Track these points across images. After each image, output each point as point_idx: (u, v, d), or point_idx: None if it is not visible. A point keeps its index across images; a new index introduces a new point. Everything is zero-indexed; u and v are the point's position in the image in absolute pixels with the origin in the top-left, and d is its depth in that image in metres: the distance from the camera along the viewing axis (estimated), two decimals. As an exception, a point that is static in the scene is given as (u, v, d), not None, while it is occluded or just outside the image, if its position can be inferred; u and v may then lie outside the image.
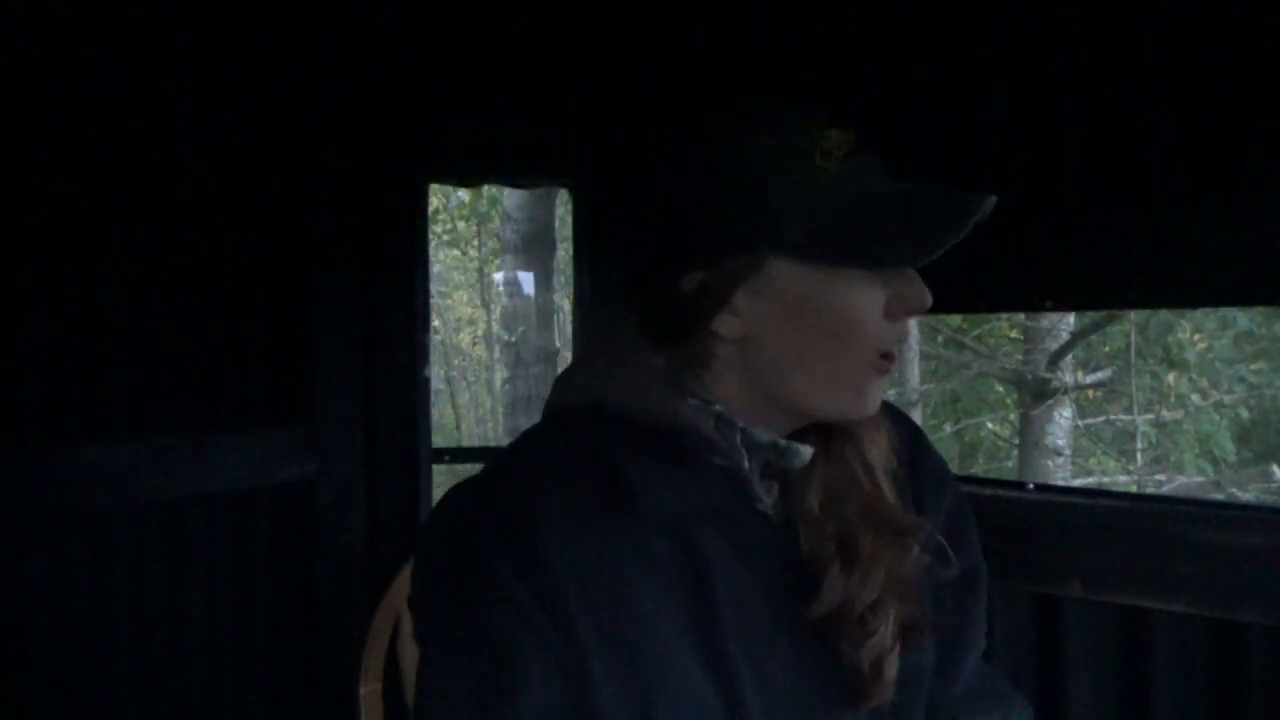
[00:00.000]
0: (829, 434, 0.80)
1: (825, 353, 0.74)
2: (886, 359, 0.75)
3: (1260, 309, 5.47)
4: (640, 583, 0.72)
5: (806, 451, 0.78)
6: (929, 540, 0.81)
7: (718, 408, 0.76)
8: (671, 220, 0.75)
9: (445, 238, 9.73)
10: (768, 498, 0.78)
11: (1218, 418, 6.31)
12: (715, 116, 0.77)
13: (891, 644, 0.77)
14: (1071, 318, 5.89)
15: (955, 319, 6.12)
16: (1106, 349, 6.49)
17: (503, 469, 0.78)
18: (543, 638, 0.70)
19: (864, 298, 0.73)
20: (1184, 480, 6.06)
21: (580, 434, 0.78)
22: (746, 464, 0.76)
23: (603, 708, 0.70)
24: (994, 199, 0.74)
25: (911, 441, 0.89)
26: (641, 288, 0.78)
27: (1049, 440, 6.06)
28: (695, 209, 0.74)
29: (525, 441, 0.81)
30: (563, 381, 0.83)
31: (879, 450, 0.81)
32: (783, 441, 0.77)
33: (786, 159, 0.73)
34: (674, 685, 0.71)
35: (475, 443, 8.75)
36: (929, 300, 0.75)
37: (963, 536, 0.90)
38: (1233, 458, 6.28)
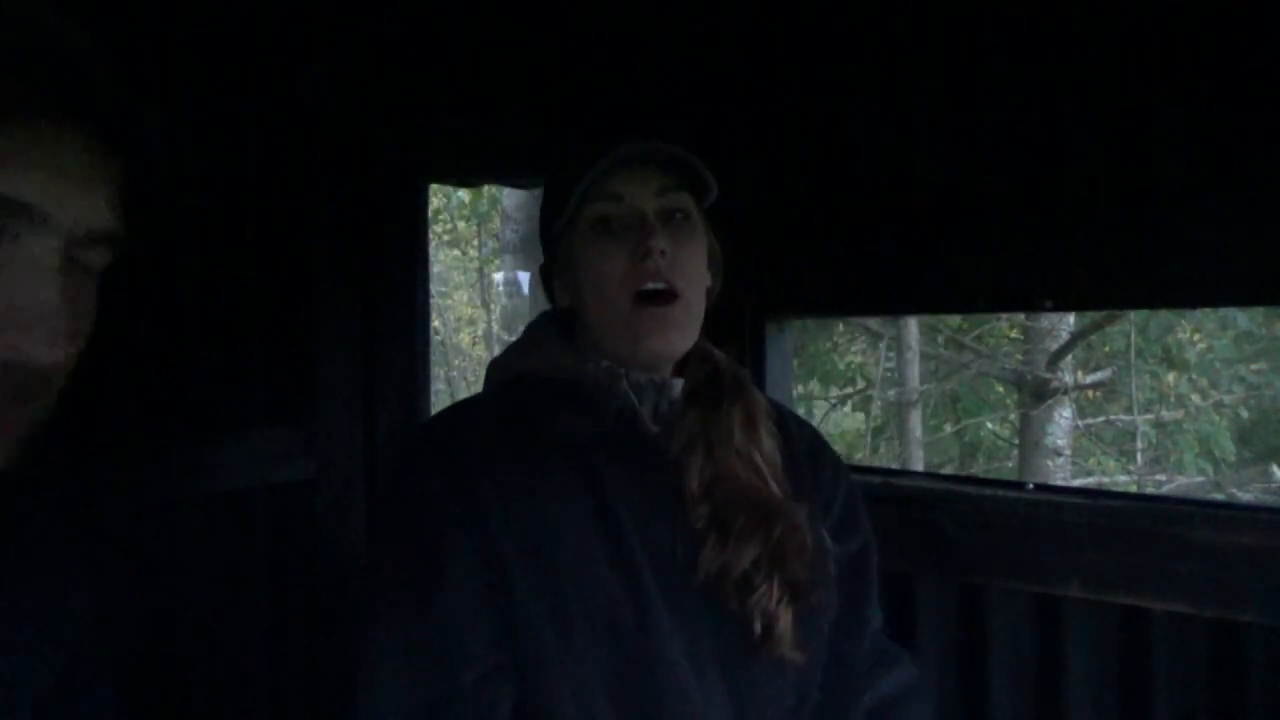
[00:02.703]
0: (707, 424, 0.97)
1: (597, 301, 0.96)
2: (649, 298, 0.94)
3: (1260, 309, 5.47)
4: (549, 498, 0.90)
5: (678, 382, 0.99)
6: (809, 517, 0.98)
7: (606, 363, 0.98)
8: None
9: (445, 238, 9.72)
10: (654, 428, 0.98)
11: (1218, 418, 6.30)
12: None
13: (777, 600, 0.92)
14: (1071, 318, 5.88)
15: (955, 319, 6.11)
16: (1106, 349, 6.48)
17: (442, 416, 1.01)
18: (465, 535, 0.88)
19: (605, 251, 0.95)
20: (1184, 480, 6.05)
21: (507, 392, 1.00)
22: (637, 404, 0.97)
23: (520, 597, 0.87)
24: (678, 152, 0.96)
25: (812, 439, 1.11)
26: None
27: (1049, 440, 6.06)
28: (541, 213, 1.05)
29: (464, 400, 1.05)
30: (497, 361, 1.07)
31: (761, 445, 0.98)
32: (659, 378, 0.99)
33: (580, 172, 0.95)
34: (582, 578, 0.88)
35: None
36: (653, 245, 0.93)
37: (856, 518, 1.09)
38: (1233, 458, 6.27)
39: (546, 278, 1.07)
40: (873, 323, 6.20)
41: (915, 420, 6.52)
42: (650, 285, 0.94)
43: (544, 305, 1.11)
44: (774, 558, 0.92)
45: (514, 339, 1.11)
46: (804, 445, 1.08)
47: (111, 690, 0.83)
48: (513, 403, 0.98)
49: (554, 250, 1.04)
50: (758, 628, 0.91)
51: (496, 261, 8.32)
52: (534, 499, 0.90)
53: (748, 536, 0.92)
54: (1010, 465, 6.75)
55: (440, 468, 0.91)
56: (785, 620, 0.92)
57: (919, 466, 6.18)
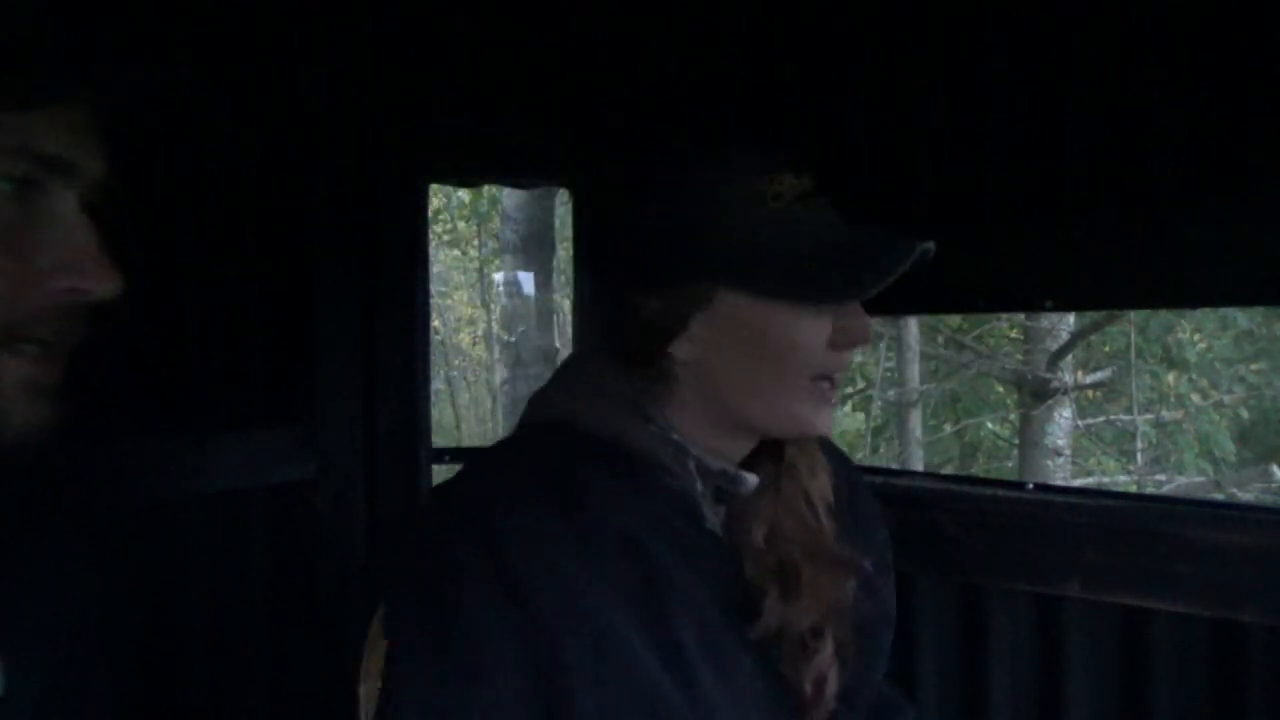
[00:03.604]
0: (777, 468, 0.88)
1: (770, 377, 0.82)
2: (828, 383, 0.84)
3: (1260, 309, 5.47)
4: (596, 589, 0.78)
5: (752, 480, 0.86)
6: (862, 573, 0.90)
7: (675, 436, 0.84)
8: (635, 248, 0.84)
9: (445, 238, 9.73)
10: (715, 519, 0.86)
11: (1218, 418, 6.31)
12: (686, 158, 0.85)
13: (830, 664, 0.85)
14: (1071, 318, 5.89)
15: (955, 319, 6.12)
16: (1106, 349, 6.49)
17: (474, 479, 0.86)
18: (512, 625, 0.76)
19: (808, 329, 0.81)
20: (1184, 480, 6.05)
21: (548, 451, 0.85)
22: (699, 487, 0.84)
23: (576, 692, 0.75)
24: (932, 246, 0.83)
25: (852, 485, 0.98)
26: (611, 310, 0.87)
27: (1049, 440, 6.06)
28: (655, 238, 0.83)
29: (497, 454, 0.89)
30: (540, 397, 0.92)
31: (820, 485, 0.89)
32: (732, 469, 0.85)
33: (740, 199, 0.80)
34: (632, 677, 0.77)
35: (475, 443, 8.74)
36: (870, 335, 0.84)
37: (885, 579, 0.99)
38: (1233, 458, 6.28)
39: (663, 323, 0.83)
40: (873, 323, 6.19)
41: (915, 420, 6.52)
42: (838, 374, 0.84)
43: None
44: (834, 617, 0.86)
45: (561, 366, 0.96)
46: (844, 486, 0.96)
47: (110, 690, 0.83)
48: (557, 471, 0.83)
49: (689, 291, 0.81)
50: (809, 689, 0.85)
51: (496, 261, 8.33)
52: (576, 591, 0.78)
53: (812, 592, 0.84)
54: (1010, 465, 6.75)
55: (478, 551, 0.78)
56: (834, 681, 0.86)
57: (919, 466, 6.18)
